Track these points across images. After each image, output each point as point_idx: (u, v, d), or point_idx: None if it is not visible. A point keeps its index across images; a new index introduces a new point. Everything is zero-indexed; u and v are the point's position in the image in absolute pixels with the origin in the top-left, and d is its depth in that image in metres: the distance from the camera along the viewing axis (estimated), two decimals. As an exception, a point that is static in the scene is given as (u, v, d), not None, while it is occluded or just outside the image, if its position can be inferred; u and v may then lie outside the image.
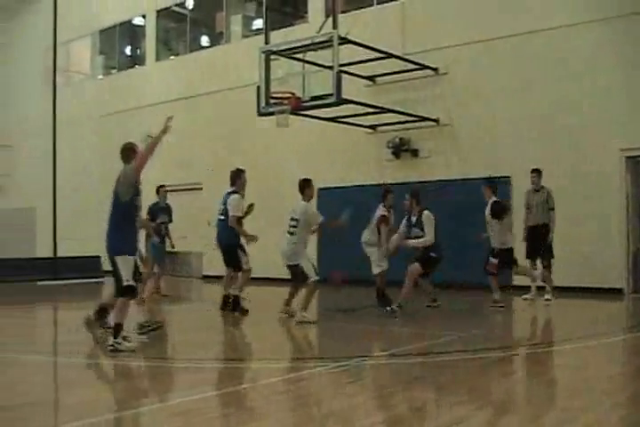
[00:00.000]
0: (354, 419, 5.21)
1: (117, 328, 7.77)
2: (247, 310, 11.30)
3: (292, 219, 10.66)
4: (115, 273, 7.88)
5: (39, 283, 18.51)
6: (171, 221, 14.23)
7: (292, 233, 10.61)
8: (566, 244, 13.51)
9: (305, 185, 10.91)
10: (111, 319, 8.11)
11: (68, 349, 8.68)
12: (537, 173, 12.89)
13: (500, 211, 11.85)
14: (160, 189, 14.25)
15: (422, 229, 11.18)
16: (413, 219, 11.36)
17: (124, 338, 7.83)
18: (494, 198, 12.07)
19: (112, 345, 7.70)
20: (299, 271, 10.59)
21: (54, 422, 5.25)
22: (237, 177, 11.66)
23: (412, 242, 11.19)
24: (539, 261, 12.92)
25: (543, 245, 12.65)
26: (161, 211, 14.06)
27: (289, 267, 10.76)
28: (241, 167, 11.99)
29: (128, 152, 8.27)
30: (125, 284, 7.77)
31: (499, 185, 13.68)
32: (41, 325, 12.05)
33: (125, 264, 7.83)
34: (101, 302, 8.78)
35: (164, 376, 7.06)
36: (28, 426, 4.97)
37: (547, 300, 12.45)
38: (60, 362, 7.97)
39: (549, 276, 12.65)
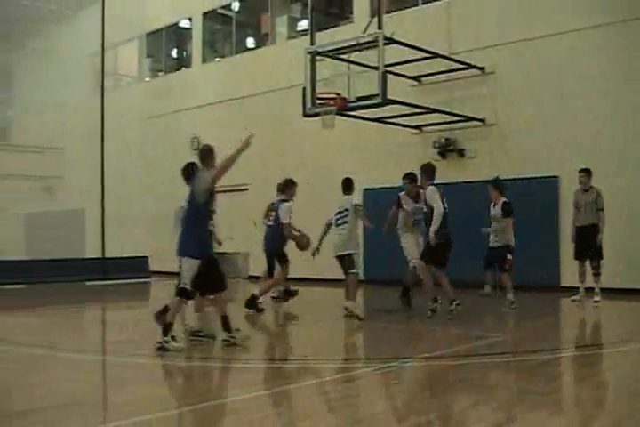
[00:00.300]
0: (399, 420, 5.19)
1: (167, 327, 7.86)
2: (262, 309, 11.81)
3: (340, 212, 10.94)
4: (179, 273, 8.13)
5: (88, 283, 18.76)
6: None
7: (340, 224, 10.91)
8: (616, 244, 13.33)
9: (347, 183, 11.28)
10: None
11: (116, 348, 8.79)
12: (585, 172, 12.67)
13: (512, 210, 11.94)
14: None
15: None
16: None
17: (173, 338, 7.90)
18: (504, 199, 12.06)
19: (160, 343, 7.79)
20: (345, 261, 10.90)
21: (102, 420, 5.30)
22: (288, 188, 11.96)
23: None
24: (587, 263, 12.73)
25: (592, 246, 12.42)
26: None
27: (338, 258, 10.92)
28: (293, 179, 12.24)
29: (206, 154, 8.53)
30: (181, 286, 7.88)
31: (550, 184, 13.66)
32: (90, 324, 12.21)
33: (187, 265, 7.94)
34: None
35: (214, 376, 7.10)
36: (74, 424, 5.03)
37: (595, 302, 12.26)
38: (109, 361, 8.06)
39: (598, 277, 12.42)
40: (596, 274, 12.47)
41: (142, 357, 7.86)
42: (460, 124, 16.18)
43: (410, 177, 11.71)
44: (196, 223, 8.06)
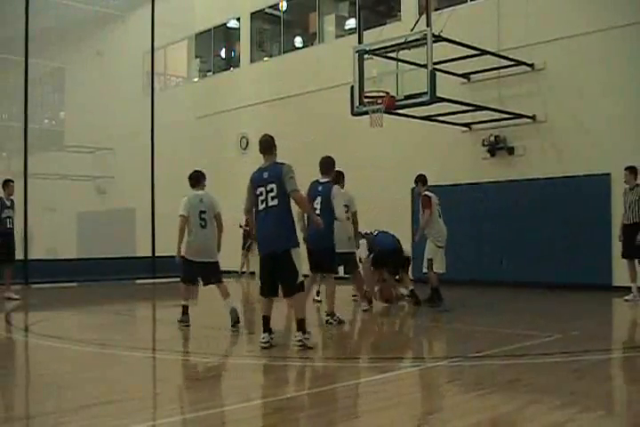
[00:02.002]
0: (449, 420, 5.15)
1: (303, 323, 7.97)
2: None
3: (345, 205, 10.70)
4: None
5: (138, 281, 18.97)
6: None
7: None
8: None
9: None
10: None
11: (165, 345, 8.87)
12: (629, 170, 12.59)
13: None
14: None
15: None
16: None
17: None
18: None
19: (300, 340, 7.87)
20: (352, 259, 11.05)
21: (153, 417, 5.35)
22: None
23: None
24: (637, 261, 12.58)
25: (633, 244, 12.35)
26: None
27: (344, 254, 10.76)
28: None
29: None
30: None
31: (601, 182, 13.52)
32: (140, 322, 12.35)
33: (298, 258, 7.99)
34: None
35: (264, 373, 7.13)
36: (126, 421, 5.08)
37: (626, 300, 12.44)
38: (159, 358, 8.13)
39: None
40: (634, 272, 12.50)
41: (189, 354, 7.92)
42: (510, 121, 16.06)
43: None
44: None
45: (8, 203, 14.48)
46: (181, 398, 5.98)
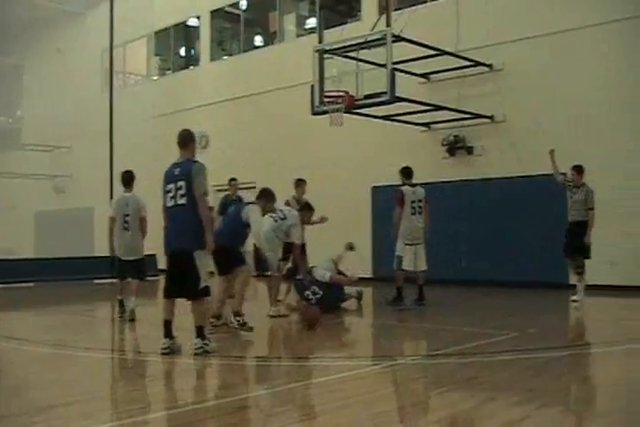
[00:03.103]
0: (407, 418, 5.18)
1: (202, 330, 7.68)
2: None
3: (281, 210, 10.85)
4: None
5: (96, 281, 18.78)
6: None
7: (276, 220, 10.76)
8: (628, 242, 13.36)
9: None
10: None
11: (125, 346, 8.81)
12: (576, 169, 12.21)
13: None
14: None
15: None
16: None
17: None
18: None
19: (201, 348, 7.55)
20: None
21: (113, 418, 5.31)
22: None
23: None
24: (570, 260, 12.25)
25: (576, 243, 11.93)
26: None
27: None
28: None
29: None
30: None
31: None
32: (99, 322, 12.23)
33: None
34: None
35: (222, 373, 7.11)
36: (86, 422, 5.04)
37: (574, 301, 11.94)
38: (119, 358, 8.08)
39: (581, 276, 12.02)
40: (578, 273, 12.10)
41: (151, 355, 7.86)
42: (469, 121, 16.19)
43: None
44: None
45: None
46: (141, 399, 5.94)
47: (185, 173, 7.59)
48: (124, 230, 10.70)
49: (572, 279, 13.22)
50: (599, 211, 11.98)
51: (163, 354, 7.50)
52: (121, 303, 10.85)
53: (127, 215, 10.71)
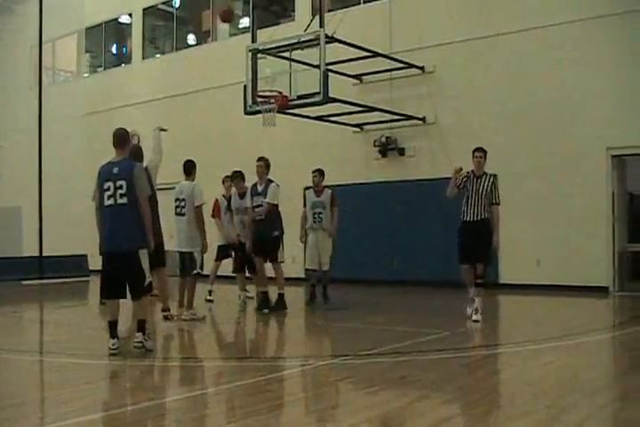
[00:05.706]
0: (341, 417, 5.21)
1: (144, 324, 7.83)
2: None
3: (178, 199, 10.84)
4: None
5: (24, 282, 18.42)
6: None
7: (183, 214, 10.66)
8: (553, 242, 13.61)
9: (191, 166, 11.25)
10: None
11: (55, 348, 8.66)
12: (480, 152, 10.25)
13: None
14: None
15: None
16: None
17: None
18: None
19: (140, 342, 7.72)
20: (189, 259, 10.56)
21: (45, 421, 5.23)
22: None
23: None
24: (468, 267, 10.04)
25: (479, 246, 9.80)
26: None
27: (183, 253, 10.62)
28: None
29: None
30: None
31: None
32: (28, 324, 11.99)
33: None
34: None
35: (152, 375, 7.05)
36: (18, 425, 4.96)
37: (475, 321, 9.76)
38: (49, 361, 7.93)
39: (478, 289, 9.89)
40: (479, 284, 9.86)
41: (80, 357, 7.75)
42: (401, 122, 16.34)
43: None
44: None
45: None
46: (75, 402, 5.84)
47: (126, 173, 7.60)
48: (179, 215, 10.68)
49: (506, 279, 13.54)
50: (525, 208, 12.14)
51: (111, 355, 7.50)
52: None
53: (181, 200, 10.70)
